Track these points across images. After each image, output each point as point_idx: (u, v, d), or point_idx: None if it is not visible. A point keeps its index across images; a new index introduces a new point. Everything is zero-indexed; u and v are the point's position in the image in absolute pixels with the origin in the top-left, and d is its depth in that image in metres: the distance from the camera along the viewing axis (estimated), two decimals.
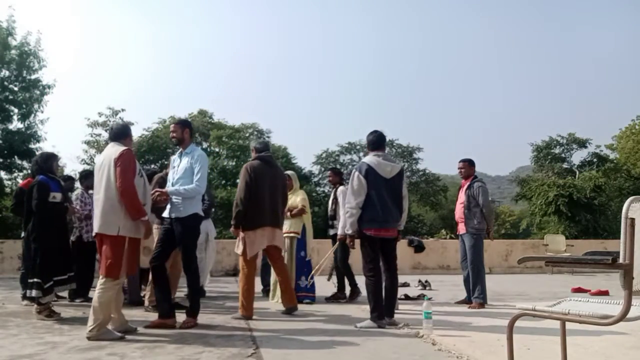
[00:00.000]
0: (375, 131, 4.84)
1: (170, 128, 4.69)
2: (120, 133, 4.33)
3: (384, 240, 4.67)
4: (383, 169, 4.61)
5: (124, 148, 4.12)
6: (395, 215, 4.70)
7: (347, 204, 4.62)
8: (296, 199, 6.22)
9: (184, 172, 4.46)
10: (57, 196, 4.97)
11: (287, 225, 6.17)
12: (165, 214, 4.56)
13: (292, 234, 6.13)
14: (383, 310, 4.51)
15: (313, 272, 6.04)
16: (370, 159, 4.67)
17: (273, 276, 6.20)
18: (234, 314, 4.97)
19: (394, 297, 4.77)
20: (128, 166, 4.02)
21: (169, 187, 4.53)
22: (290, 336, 4.06)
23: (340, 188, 6.42)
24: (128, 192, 3.99)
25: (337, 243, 5.98)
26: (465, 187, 6.04)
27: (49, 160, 5.14)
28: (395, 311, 5.17)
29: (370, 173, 4.56)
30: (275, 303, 5.95)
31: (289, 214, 6.13)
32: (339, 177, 6.73)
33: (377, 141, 4.78)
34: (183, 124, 4.68)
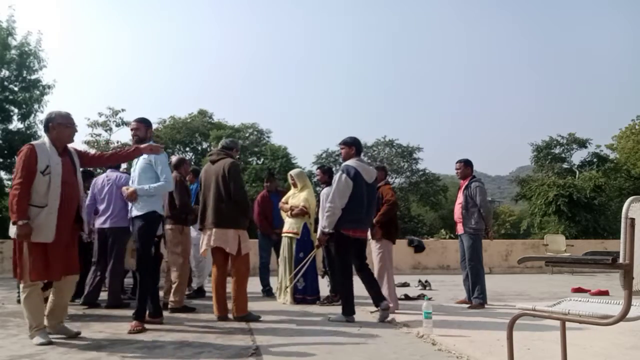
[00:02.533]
0: (355, 137, 5.09)
1: (133, 125, 4.54)
2: (45, 125, 3.91)
3: (357, 240, 4.88)
4: (366, 173, 4.88)
5: (28, 143, 3.80)
6: (371, 218, 5.11)
7: (329, 204, 4.70)
8: (300, 197, 6.17)
9: (143, 171, 4.41)
10: None
11: (286, 225, 6.16)
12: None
13: (290, 234, 6.10)
14: (354, 306, 4.78)
15: (291, 275, 5.93)
16: (355, 163, 4.89)
17: (280, 275, 6.18)
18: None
19: (376, 285, 4.96)
20: (22, 163, 3.65)
21: (133, 186, 4.41)
22: (290, 336, 4.06)
23: (325, 190, 6.09)
24: (12, 189, 3.68)
25: (315, 248, 5.96)
26: (463, 187, 6.05)
27: None
28: (396, 311, 5.22)
29: (357, 176, 4.77)
30: (280, 303, 5.96)
31: (290, 213, 6.11)
32: (327, 176, 6.37)
33: (359, 147, 5.10)
34: (147, 124, 4.57)
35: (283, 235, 6.21)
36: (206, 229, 4.84)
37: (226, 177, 4.79)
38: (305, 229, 6.08)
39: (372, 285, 4.90)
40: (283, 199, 6.42)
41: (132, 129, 4.54)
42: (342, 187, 4.69)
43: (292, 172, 6.53)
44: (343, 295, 4.81)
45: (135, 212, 4.35)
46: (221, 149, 5.10)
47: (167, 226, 5.47)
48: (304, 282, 5.99)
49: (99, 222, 5.68)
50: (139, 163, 4.44)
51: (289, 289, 5.98)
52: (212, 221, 4.77)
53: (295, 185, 6.33)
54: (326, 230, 4.72)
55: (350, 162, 4.86)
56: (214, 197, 4.79)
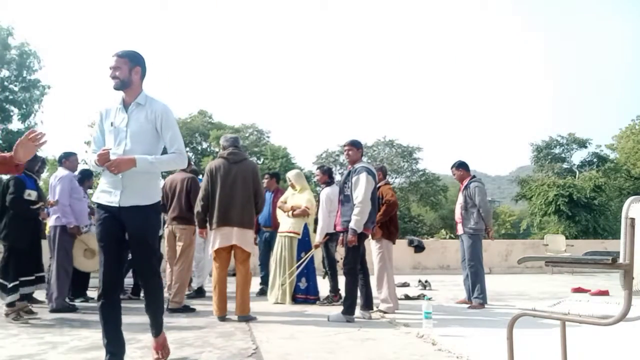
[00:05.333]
0: (358, 140, 5.17)
1: (111, 62, 3.02)
2: None
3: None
4: (375, 174, 5.01)
5: None
6: None
7: (362, 204, 4.71)
8: (302, 198, 6.15)
9: (142, 134, 3.03)
10: (32, 194, 4.99)
11: (287, 225, 6.15)
12: (106, 200, 3.03)
13: (291, 234, 6.08)
14: (355, 306, 4.82)
15: (289, 272, 5.90)
16: (367, 164, 5.02)
17: (272, 275, 6.17)
18: (232, 314, 4.97)
19: (370, 290, 5.13)
20: None
21: (124, 156, 2.94)
22: (290, 336, 4.06)
23: (325, 190, 6.13)
24: None
25: (313, 249, 5.98)
26: (463, 187, 6.07)
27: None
28: (396, 311, 5.24)
29: (374, 177, 4.94)
30: (273, 303, 5.95)
31: (291, 213, 6.11)
32: (327, 176, 6.32)
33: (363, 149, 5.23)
34: (132, 59, 3.05)
35: (281, 235, 6.21)
36: (221, 227, 4.77)
37: (256, 179, 4.95)
38: (305, 229, 6.08)
39: (368, 289, 5.05)
40: (281, 199, 6.42)
41: (110, 68, 3.03)
42: (369, 187, 4.77)
43: (290, 174, 6.52)
44: (347, 295, 4.79)
45: (136, 201, 3.01)
46: (237, 148, 5.04)
47: (180, 226, 5.50)
48: (307, 282, 5.99)
49: (51, 221, 5.47)
50: (133, 118, 3.05)
51: (287, 289, 5.98)
52: (237, 220, 4.77)
53: (293, 186, 6.34)
54: (359, 231, 4.71)
55: (365, 164, 4.97)
56: (242, 197, 4.81)
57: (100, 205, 3.05)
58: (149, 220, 3.08)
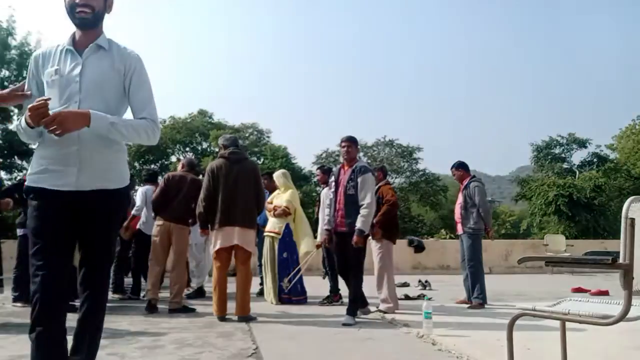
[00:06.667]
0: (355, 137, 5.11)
1: None
2: None
3: None
4: (374, 173, 5.05)
5: None
6: None
7: (370, 206, 4.70)
8: (283, 198, 6.15)
9: (103, 87, 2.11)
10: None
11: (270, 225, 6.16)
12: (54, 183, 2.05)
13: (272, 234, 6.08)
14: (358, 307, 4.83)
15: (290, 275, 5.90)
16: (366, 163, 5.06)
17: (265, 276, 6.19)
18: (232, 314, 4.97)
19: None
20: None
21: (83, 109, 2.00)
22: (290, 336, 4.06)
23: (326, 189, 6.09)
24: None
25: (314, 249, 6.00)
26: (462, 187, 6.07)
27: None
28: (396, 311, 5.24)
29: (374, 176, 4.96)
30: (271, 304, 5.96)
31: (273, 213, 6.12)
32: (327, 176, 6.22)
33: None
34: None
35: (265, 234, 6.21)
36: (223, 227, 4.76)
37: (257, 178, 4.97)
38: (287, 229, 6.04)
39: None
40: (268, 199, 6.42)
41: None
42: (374, 187, 4.80)
43: (274, 175, 6.55)
44: (356, 297, 4.74)
45: (101, 182, 2.10)
46: (238, 148, 5.07)
47: (179, 226, 5.51)
48: (288, 282, 5.98)
49: None
50: (90, 64, 2.11)
51: (272, 290, 5.99)
52: (239, 220, 4.77)
53: (270, 186, 6.42)
54: (367, 232, 4.70)
55: (364, 163, 4.98)
56: (243, 197, 4.81)
57: (42, 191, 2.04)
58: (119, 210, 2.26)
